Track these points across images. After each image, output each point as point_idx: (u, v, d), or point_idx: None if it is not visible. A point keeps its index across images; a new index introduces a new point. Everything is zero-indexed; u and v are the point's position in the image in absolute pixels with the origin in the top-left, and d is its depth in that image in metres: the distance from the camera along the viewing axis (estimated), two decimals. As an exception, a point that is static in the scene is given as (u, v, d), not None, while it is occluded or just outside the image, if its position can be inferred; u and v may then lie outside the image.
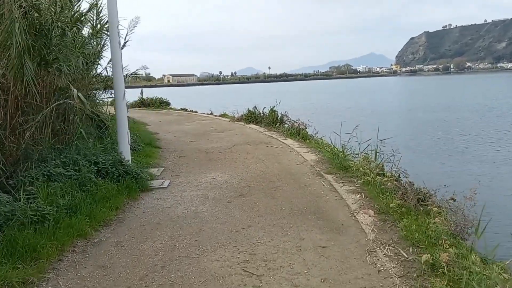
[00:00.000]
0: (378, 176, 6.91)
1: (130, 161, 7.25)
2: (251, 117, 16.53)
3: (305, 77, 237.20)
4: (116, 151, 7.53)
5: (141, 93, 16.82)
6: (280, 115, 15.20)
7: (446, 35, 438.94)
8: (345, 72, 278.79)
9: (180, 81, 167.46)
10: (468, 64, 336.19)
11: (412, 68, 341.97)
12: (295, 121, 14.39)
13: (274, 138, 12.46)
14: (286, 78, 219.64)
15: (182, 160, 9.51)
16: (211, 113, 21.33)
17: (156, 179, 7.64)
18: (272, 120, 15.01)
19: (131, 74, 15.24)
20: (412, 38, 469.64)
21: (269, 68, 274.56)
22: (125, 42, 14.51)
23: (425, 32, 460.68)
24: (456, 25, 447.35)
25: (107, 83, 14.98)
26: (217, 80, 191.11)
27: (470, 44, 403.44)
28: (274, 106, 15.76)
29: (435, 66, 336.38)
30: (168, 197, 6.64)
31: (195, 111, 23.44)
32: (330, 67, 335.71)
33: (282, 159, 9.36)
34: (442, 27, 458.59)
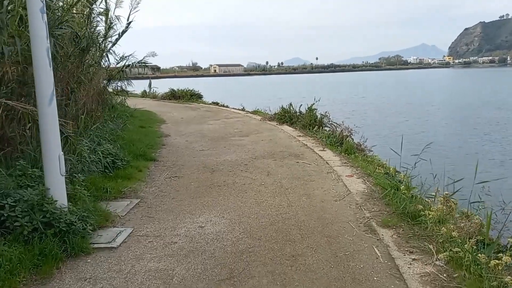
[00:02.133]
0: (477, 250, 3.75)
1: (63, 202, 4.46)
2: (285, 116, 13.50)
3: (354, 68, 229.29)
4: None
5: (149, 85, 14.24)
6: (319, 116, 12.09)
7: (503, 26, 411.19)
8: (395, 63, 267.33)
9: (227, 71, 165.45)
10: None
11: (466, 59, 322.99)
12: (337, 125, 11.25)
13: (309, 148, 9.39)
14: (334, 69, 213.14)
15: (173, 185, 6.66)
16: (243, 109, 18.46)
17: (112, 227, 4.84)
18: (309, 122, 11.92)
19: (139, 62, 12.63)
20: (466, 29, 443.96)
21: (317, 58, 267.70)
22: (128, 24, 11.92)
23: (480, 22, 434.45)
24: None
25: (112, 74, 12.58)
26: (263, 70, 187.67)
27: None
28: (313, 104, 12.66)
29: (490, 57, 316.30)
30: (105, 274, 3.79)
31: (226, 106, 20.62)
32: (380, 58, 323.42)
33: (315, 188, 6.32)
34: (499, 17, 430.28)
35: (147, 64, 12.52)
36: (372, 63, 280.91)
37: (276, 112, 14.34)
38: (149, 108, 19.14)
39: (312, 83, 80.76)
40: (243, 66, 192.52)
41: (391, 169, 7.22)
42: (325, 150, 9.08)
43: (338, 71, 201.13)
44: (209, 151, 9.40)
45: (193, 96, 23.92)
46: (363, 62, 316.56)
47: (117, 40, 12.02)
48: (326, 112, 12.08)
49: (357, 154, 8.47)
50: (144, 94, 28.86)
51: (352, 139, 10.46)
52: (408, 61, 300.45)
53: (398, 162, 6.83)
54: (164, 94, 25.77)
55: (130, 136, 9.79)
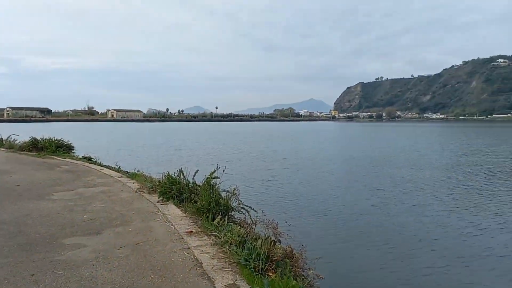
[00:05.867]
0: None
1: None
2: (171, 189, 8.63)
3: (251, 118, 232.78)
4: None
5: None
6: (224, 195, 7.41)
7: (378, 86, 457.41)
8: (288, 115, 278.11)
9: (125, 116, 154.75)
10: (398, 113, 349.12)
11: (349, 114, 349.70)
12: (251, 210, 6.70)
13: (207, 278, 4.61)
14: (232, 118, 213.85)
15: None
16: (119, 170, 13.18)
17: None
18: (207, 205, 7.17)
19: None
20: (348, 87, 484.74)
21: (216, 108, 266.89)
22: None
23: (360, 82, 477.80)
24: (387, 78, 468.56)
25: None
26: (163, 117, 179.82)
27: (399, 96, 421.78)
28: (214, 172, 8.02)
29: (369, 113, 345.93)
30: None
31: (99, 163, 15.11)
32: (274, 110, 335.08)
33: None
34: (375, 79, 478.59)
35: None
36: (267, 114, 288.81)
37: (161, 180, 9.44)
38: (-14, 165, 13.10)
39: (213, 132, 76.94)
40: (142, 112, 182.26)
41: None
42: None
43: (237, 120, 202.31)
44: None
45: (60, 148, 17.91)
46: (259, 112, 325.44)
47: None
48: (234, 188, 7.43)
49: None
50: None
51: (279, 240, 5.96)
52: (300, 113, 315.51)
53: None
54: (23, 144, 19.34)
55: None
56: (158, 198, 8.71)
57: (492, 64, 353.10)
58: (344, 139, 60.30)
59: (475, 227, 10.43)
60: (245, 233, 5.79)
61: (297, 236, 6.45)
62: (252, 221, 6.30)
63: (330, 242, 9.25)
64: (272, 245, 5.25)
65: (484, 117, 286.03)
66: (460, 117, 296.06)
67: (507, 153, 33.95)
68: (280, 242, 6.01)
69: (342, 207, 12.78)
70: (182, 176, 8.77)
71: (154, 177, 10.79)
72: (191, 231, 6.37)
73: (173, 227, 6.66)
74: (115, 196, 9.17)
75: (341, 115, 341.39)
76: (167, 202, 8.36)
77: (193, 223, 6.86)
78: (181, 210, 7.74)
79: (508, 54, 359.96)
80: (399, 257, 8.28)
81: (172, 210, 7.77)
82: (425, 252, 8.63)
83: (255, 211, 6.90)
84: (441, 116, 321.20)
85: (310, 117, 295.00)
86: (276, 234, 5.64)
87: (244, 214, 7.01)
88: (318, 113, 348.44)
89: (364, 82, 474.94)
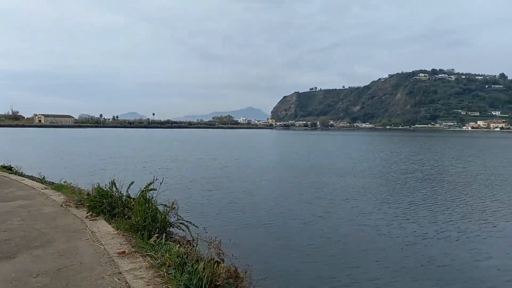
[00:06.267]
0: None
1: None
2: (102, 203, 7.77)
3: (189, 125, 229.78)
4: None
5: None
6: (163, 210, 6.72)
7: (313, 96, 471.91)
8: (227, 122, 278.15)
9: (54, 122, 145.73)
10: (331, 122, 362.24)
11: (286, 122, 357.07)
12: (190, 225, 6.11)
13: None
14: (170, 125, 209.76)
15: None
16: (43, 180, 11.92)
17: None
18: (143, 221, 6.44)
19: None
20: (285, 97, 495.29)
21: (153, 114, 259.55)
22: None
23: (295, 92, 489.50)
24: (321, 88, 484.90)
25: None
26: (97, 123, 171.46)
27: (332, 105, 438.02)
28: (150, 183, 7.28)
29: (304, 122, 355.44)
30: None
31: (21, 174, 13.64)
32: (213, 117, 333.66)
33: None
34: (310, 89, 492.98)
35: None
36: (206, 121, 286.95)
37: (90, 193, 8.53)
38: None
39: (150, 139, 74.52)
40: (73, 117, 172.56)
41: None
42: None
43: (175, 127, 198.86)
44: None
45: (-25, 156, 16.03)
46: (198, 119, 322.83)
47: None
48: (173, 202, 6.77)
49: None
50: None
51: (223, 260, 5.43)
52: (239, 121, 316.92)
53: None
54: None
55: None
56: (87, 213, 7.81)
57: (414, 78, 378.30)
58: (283, 147, 60.98)
59: (416, 237, 10.61)
60: (185, 253, 5.19)
61: (242, 253, 5.97)
62: (193, 238, 5.72)
63: (276, 258, 8.85)
64: (215, 267, 4.70)
65: (408, 127, 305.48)
66: (387, 127, 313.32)
67: (432, 161, 35.97)
68: (223, 261, 5.48)
69: (286, 219, 12.50)
70: (114, 188, 7.95)
71: (83, 189, 9.83)
72: (124, 252, 5.64)
73: (102, 247, 5.88)
74: (36, 211, 8.13)
75: (278, 123, 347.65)
76: (97, 218, 7.51)
77: (126, 242, 6.13)
78: (113, 227, 6.94)
79: (428, 69, 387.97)
80: (347, 271, 8.07)
81: (103, 227, 6.94)
82: (371, 264, 8.52)
83: (196, 226, 6.33)
84: (370, 125, 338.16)
85: (249, 125, 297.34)
86: (219, 254, 5.10)
87: (184, 230, 6.40)
88: (256, 121, 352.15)
89: (300, 92, 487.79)
